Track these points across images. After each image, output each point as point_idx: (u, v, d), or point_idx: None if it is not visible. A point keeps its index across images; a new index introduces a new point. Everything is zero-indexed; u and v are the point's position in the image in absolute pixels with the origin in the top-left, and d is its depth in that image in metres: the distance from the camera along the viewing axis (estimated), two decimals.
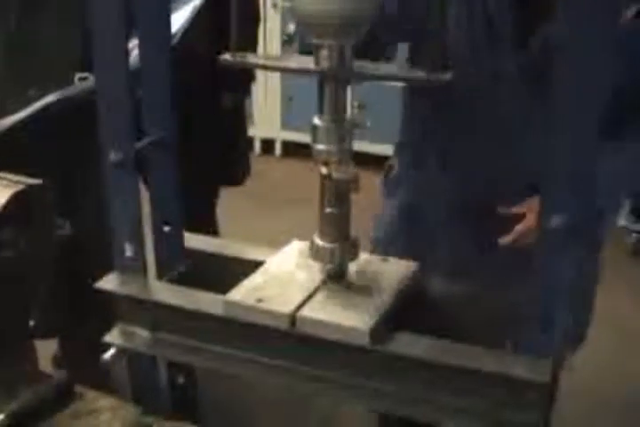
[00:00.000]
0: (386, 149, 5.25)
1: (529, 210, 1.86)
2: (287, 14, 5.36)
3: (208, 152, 2.94)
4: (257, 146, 5.74)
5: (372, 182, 1.89)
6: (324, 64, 1.16)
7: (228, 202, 3.34)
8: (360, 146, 1.61)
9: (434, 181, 2.04)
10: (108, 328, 1.50)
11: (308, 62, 1.20)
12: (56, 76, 2.11)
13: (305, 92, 5.25)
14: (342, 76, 1.17)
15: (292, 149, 5.61)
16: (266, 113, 5.65)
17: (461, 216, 2.01)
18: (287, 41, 5.40)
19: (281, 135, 5.73)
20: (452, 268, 1.91)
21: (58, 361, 2.91)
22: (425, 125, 2.01)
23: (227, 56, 1.26)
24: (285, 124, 5.66)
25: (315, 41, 1.16)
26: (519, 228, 1.87)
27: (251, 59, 1.27)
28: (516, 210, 1.89)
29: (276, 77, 5.44)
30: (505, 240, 1.89)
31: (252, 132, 5.45)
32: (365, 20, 1.13)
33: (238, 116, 3.26)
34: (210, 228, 3.14)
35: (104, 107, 1.36)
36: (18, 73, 2.08)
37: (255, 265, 1.43)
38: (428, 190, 2.06)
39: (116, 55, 1.32)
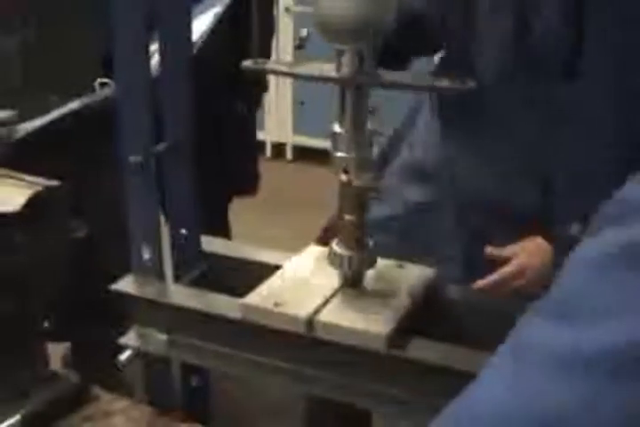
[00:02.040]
0: None
1: (514, 254, 1.80)
2: (300, 19, 5.37)
3: (219, 157, 2.94)
4: (268, 150, 5.75)
5: None
6: (346, 71, 1.17)
7: (238, 206, 3.34)
8: None
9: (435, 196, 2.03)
10: (119, 331, 1.51)
11: (328, 69, 1.21)
12: (77, 82, 2.12)
13: (317, 96, 5.26)
14: (364, 84, 1.17)
15: (304, 154, 5.62)
16: (277, 117, 5.66)
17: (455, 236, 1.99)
18: (299, 45, 5.41)
19: (292, 140, 5.74)
20: None
21: (68, 362, 2.91)
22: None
23: (248, 63, 1.26)
24: (297, 129, 5.67)
25: (335, 47, 1.17)
26: (496, 275, 1.78)
27: (271, 65, 1.28)
28: (503, 253, 1.82)
29: (287, 81, 5.45)
30: (479, 284, 1.78)
31: (263, 136, 5.47)
32: (384, 23, 1.14)
33: (249, 126, 3.27)
34: (223, 231, 3.14)
35: (124, 109, 1.37)
36: (37, 79, 2.09)
37: (272, 269, 1.44)
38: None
39: (137, 58, 1.33)
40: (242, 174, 3.19)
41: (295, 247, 1.52)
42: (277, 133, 5.72)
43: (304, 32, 5.40)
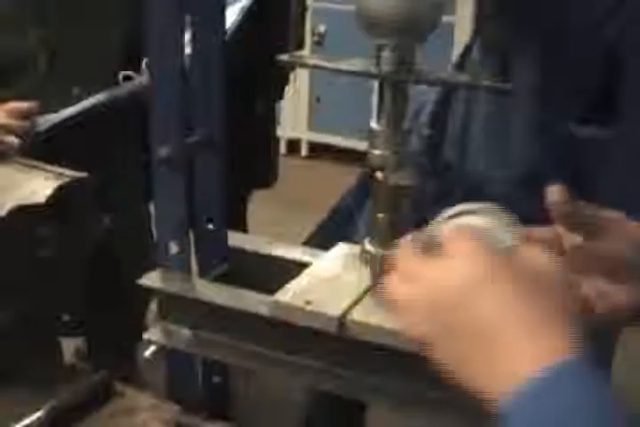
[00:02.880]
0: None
1: None
2: (317, 15, 5.35)
3: (240, 154, 2.93)
4: (283, 146, 5.73)
5: None
6: (386, 67, 1.15)
7: (252, 201, 3.33)
8: None
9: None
10: (134, 326, 1.50)
11: (365, 65, 1.19)
12: (100, 75, 2.11)
13: (333, 92, 5.26)
14: (406, 80, 1.16)
15: (319, 150, 5.61)
16: (293, 113, 5.64)
17: None
18: (317, 42, 5.39)
19: (307, 136, 5.73)
20: None
21: (81, 357, 2.90)
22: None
23: (284, 56, 1.24)
24: (312, 125, 5.66)
25: (377, 42, 1.15)
26: None
27: (308, 59, 1.27)
28: None
29: (304, 77, 5.43)
30: None
31: (278, 132, 5.46)
32: (432, 18, 1.13)
33: (270, 120, 3.26)
34: (241, 226, 3.13)
35: (156, 101, 1.35)
36: (61, 71, 2.08)
37: (298, 266, 1.42)
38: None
39: (170, 49, 1.32)
40: (261, 167, 3.18)
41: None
42: (293, 129, 5.71)
43: (322, 28, 5.40)
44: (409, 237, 0.93)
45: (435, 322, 0.82)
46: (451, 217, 0.93)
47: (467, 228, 0.91)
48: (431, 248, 0.87)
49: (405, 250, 0.90)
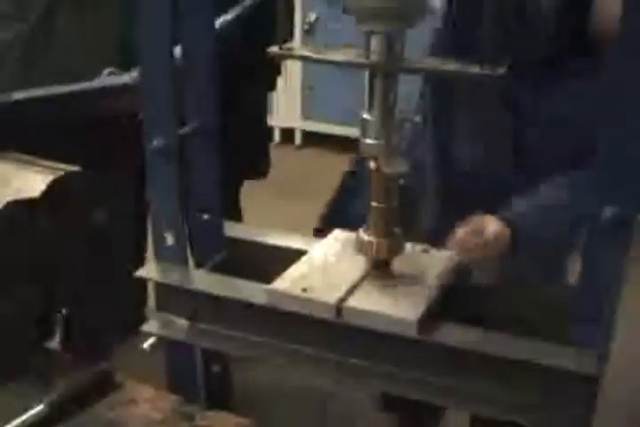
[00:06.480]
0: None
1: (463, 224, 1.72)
2: (308, 3, 5.34)
3: (232, 143, 2.93)
4: (277, 135, 5.73)
5: None
6: (376, 57, 1.15)
7: (246, 191, 3.33)
8: None
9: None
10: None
11: (355, 55, 1.19)
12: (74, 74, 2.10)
13: (325, 81, 5.26)
14: (394, 70, 1.16)
15: (312, 139, 5.61)
16: (286, 102, 5.65)
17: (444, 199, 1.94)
18: (308, 30, 5.38)
19: (301, 125, 5.73)
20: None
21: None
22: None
23: (274, 49, 1.25)
24: (306, 114, 5.66)
25: (366, 28, 1.15)
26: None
27: (298, 51, 1.27)
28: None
29: (296, 67, 5.43)
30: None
31: (272, 121, 5.46)
32: (419, 3, 1.13)
33: (261, 110, 3.25)
34: (235, 215, 3.13)
35: (148, 92, 1.36)
36: (33, 71, 2.08)
37: (294, 254, 1.43)
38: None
39: (161, 41, 1.32)
40: (254, 157, 3.18)
41: (303, 232, 1.52)
42: (286, 119, 5.71)
43: (312, 16, 5.39)
44: None
45: None
46: None
47: None
48: None
49: None
